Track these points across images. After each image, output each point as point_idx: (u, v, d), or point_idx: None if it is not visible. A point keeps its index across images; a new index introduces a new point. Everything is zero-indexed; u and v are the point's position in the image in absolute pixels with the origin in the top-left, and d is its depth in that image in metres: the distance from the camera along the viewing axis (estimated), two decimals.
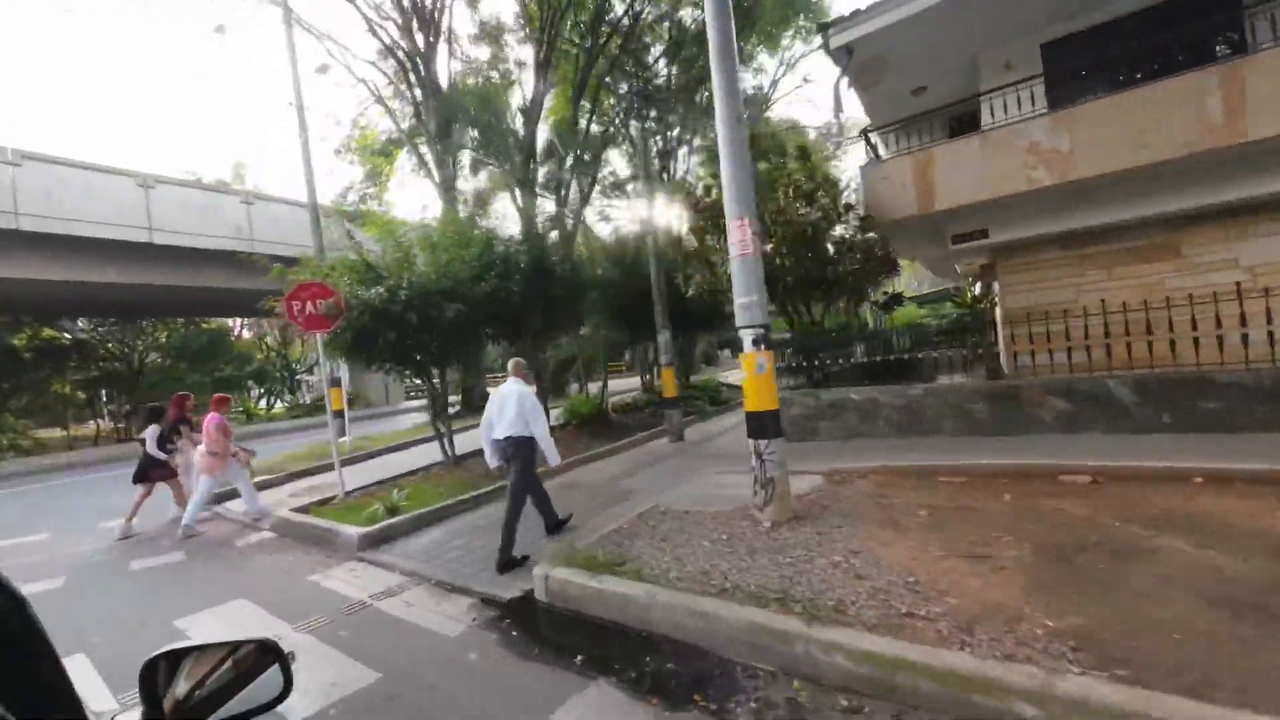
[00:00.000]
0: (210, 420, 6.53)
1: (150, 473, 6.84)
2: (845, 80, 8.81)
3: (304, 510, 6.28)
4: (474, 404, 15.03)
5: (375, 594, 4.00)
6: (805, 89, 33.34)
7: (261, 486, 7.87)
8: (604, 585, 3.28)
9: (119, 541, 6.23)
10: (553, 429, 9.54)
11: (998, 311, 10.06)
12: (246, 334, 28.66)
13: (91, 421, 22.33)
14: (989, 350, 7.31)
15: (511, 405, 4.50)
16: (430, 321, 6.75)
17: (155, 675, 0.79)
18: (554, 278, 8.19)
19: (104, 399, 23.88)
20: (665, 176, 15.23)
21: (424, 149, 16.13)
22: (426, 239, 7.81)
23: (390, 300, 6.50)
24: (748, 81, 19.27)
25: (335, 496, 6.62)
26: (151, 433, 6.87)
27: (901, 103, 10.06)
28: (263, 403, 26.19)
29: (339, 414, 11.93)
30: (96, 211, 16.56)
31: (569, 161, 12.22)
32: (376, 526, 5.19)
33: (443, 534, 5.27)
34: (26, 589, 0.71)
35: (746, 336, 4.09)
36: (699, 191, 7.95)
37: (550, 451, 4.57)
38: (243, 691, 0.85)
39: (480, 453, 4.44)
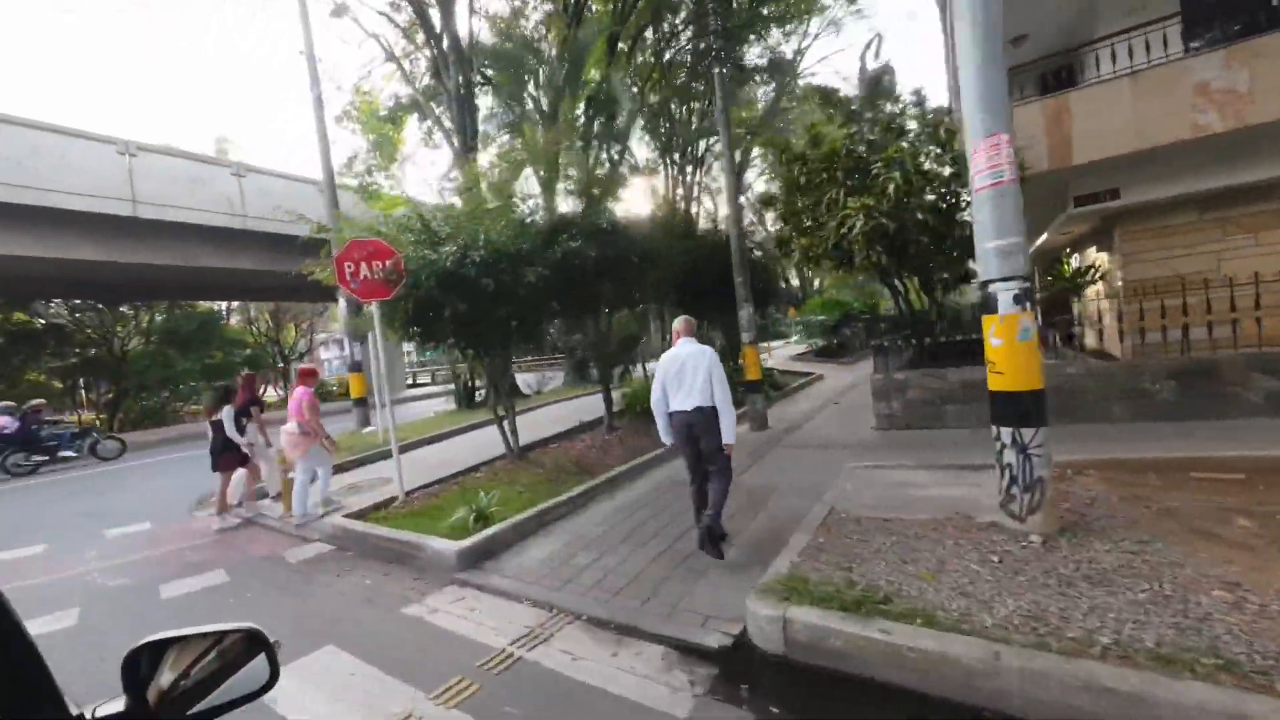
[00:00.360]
0: (303, 394, 5.64)
1: (222, 458, 6.05)
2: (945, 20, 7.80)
3: (361, 516, 5.21)
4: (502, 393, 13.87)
5: (516, 639, 2.98)
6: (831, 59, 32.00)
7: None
8: (894, 637, 2.30)
9: (220, 532, 5.67)
10: (614, 418, 8.61)
11: (1099, 286, 9.21)
12: (235, 319, 27.01)
13: (71, 413, 20.78)
14: (1063, 326, 6.54)
15: (701, 369, 3.67)
16: (505, 290, 5.63)
17: (138, 666, 0.78)
18: (629, 244, 7.10)
19: (84, 388, 22.30)
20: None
21: (441, 112, 14.78)
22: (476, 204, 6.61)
23: (462, 262, 5.37)
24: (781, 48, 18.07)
25: (394, 499, 5.55)
26: (228, 414, 6.00)
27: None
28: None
29: (360, 402, 10.77)
30: (74, 182, 15.00)
31: (624, 112, 10.94)
32: (476, 540, 4.13)
33: (555, 546, 4.25)
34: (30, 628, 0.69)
35: (1003, 292, 3.09)
36: (801, 144, 6.89)
37: (731, 429, 3.67)
38: (228, 681, 0.84)
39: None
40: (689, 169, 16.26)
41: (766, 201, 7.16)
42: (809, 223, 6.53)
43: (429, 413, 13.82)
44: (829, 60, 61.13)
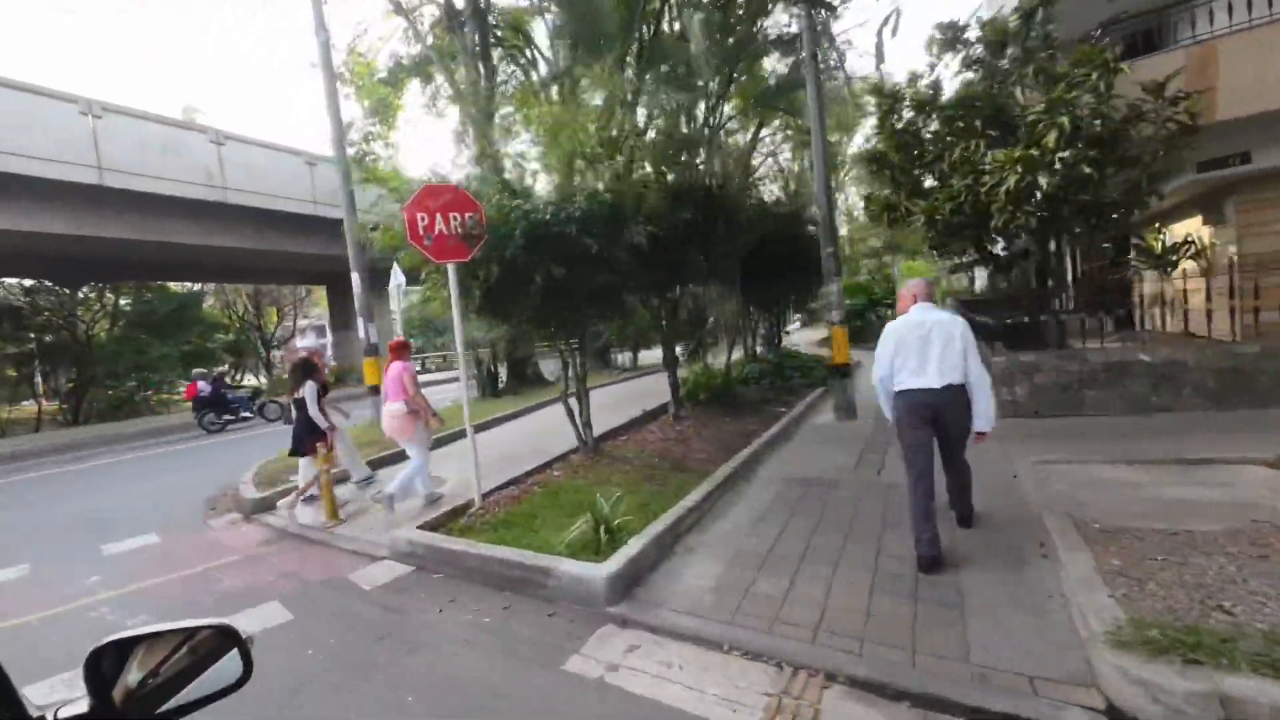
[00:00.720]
0: (402, 369, 5.00)
1: (307, 441, 5.26)
2: None
3: (438, 527, 4.23)
4: (526, 379, 12.84)
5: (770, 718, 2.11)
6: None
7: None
8: None
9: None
10: (679, 404, 7.71)
11: (1195, 262, 8.63)
12: (209, 301, 25.16)
13: (30, 401, 18.96)
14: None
15: (955, 340, 2.95)
16: (604, 254, 4.64)
17: (101, 665, 0.74)
18: (721, 207, 6.16)
19: (42, 376, 20.39)
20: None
21: (454, 75, 13.47)
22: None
23: (559, 216, 4.35)
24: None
25: (469, 505, 4.58)
26: (310, 391, 5.24)
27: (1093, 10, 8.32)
28: (235, 378, 23.05)
29: (375, 389, 9.65)
30: (33, 144, 13.36)
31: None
32: (622, 562, 3.22)
33: (715, 568, 3.36)
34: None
35: None
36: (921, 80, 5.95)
37: (990, 413, 3.03)
38: (200, 677, 0.81)
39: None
40: (754, 128, 14.92)
41: (874, 159, 6.31)
42: (931, 182, 5.70)
43: (444, 402, 12.71)
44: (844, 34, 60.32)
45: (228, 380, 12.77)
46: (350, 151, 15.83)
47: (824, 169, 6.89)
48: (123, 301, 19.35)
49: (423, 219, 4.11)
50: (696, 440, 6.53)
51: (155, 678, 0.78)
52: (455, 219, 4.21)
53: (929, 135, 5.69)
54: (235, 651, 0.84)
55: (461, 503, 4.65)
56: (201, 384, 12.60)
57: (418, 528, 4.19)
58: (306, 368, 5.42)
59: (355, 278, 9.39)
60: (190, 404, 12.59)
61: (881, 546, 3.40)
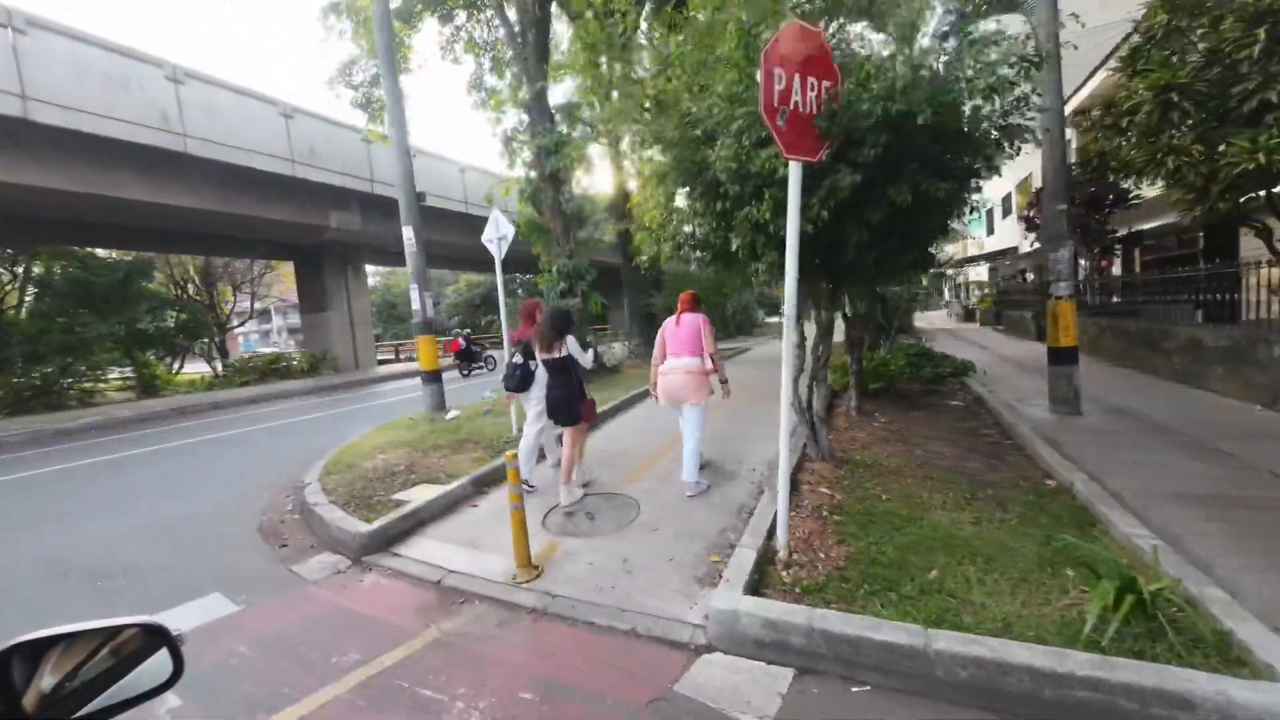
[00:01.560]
0: (702, 323, 4.33)
1: (578, 409, 4.27)
2: None
3: (761, 588, 2.62)
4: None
5: None
6: None
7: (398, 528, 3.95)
8: None
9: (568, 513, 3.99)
10: (862, 397, 6.22)
11: None
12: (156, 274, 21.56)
13: None
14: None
15: None
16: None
17: (8, 670, 0.69)
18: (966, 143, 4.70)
19: None
20: None
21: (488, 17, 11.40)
22: None
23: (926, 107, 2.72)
24: None
25: (773, 553, 2.95)
26: (575, 347, 4.27)
27: None
28: (175, 366, 19.68)
29: (434, 377, 7.69)
30: None
31: None
32: None
33: None
34: None
35: None
36: None
37: None
38: (125, 678, 0.77)
39: None
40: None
41: (1164, 88, 4.95)
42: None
43: (472, 397, 10.74)
44: None
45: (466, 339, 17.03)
46: (354, 94, 13.47)
47: (1058, 96, 5.58)
48: (42, 269, 15.91)
49: (779, 78, 2.44)
50: (927, 441, 5.12)
51: (73, 679, 0.73)
52: (812, 88, 2.57)
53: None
54: (164, 650, 0.80)
55: (760, 552, 3.01)
56: (461, 341, 16.69)
57: (747, 593, 2.55)
58: (563, 319, 4.30)
59: (408, 234, 7.36)
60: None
61: None
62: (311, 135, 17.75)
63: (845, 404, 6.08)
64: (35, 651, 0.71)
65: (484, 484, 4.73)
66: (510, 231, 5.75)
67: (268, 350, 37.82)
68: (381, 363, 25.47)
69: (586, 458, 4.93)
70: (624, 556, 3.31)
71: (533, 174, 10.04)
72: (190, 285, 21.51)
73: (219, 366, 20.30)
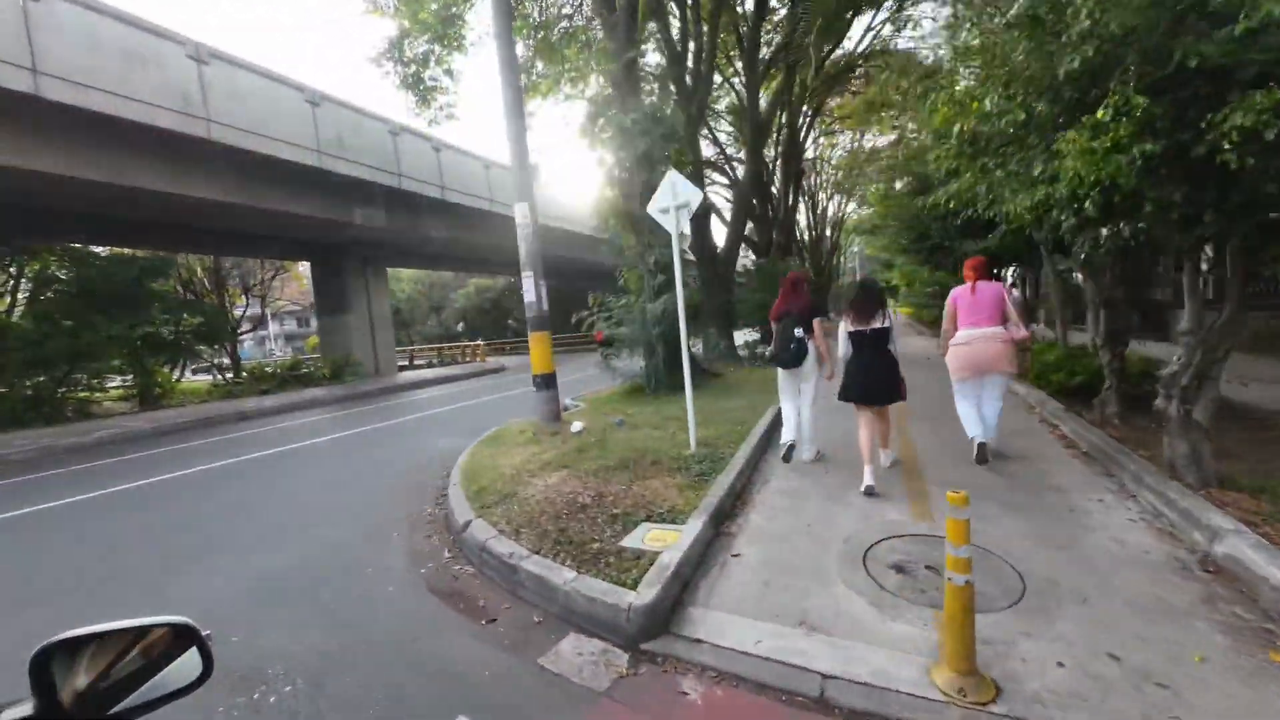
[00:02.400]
0: (1003, 290, 4.15)
1: (900, 385, 4.10)
2: None
3: None
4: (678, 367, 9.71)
5: None
6: None
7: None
8: None
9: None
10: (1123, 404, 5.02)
11: None
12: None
13: None
14: None
15: None
16: None
17: (48, 666, 0.70)
18: None
19: None
20: None
21: None
22: None
23: None
24: None
25: None
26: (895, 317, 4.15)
27: None
28: (176, 374, 18.06)
29: (549, 380, 6.49)
30: None
31: None
32: None
33: None
34: None
35: None
36: None
37: None
38: (156, 677, 0.77)
39: None
40: None
41: None
42: None
43: (494, 396, 9.52)
44: None
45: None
46: (405, 71, 12.26)
47: None
48: (38, 267, 14.41)
49: None
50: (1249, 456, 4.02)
51: (106, 679, 0.73)
52: None
53: None
54: (194, 649, 0.80)
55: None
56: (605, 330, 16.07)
57: None
58: (878, 287, 4.33)
59: (523, 211, 6.17)
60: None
61: None
62: (339, 125, 16.49)
63: (1097, 412, 4.98)
64: (71, 649, 0.72)
65: (722, 521, 3.55)
66: (694, 198, 4.60)
67: (268, 358, 36.14)
68: (401, 368, 24.10)
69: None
70: (1102, 649, 2.16)
71: (619, 155, 8.89)
72: (200, 287, 20.06)
73: (228, 374, 18.82)
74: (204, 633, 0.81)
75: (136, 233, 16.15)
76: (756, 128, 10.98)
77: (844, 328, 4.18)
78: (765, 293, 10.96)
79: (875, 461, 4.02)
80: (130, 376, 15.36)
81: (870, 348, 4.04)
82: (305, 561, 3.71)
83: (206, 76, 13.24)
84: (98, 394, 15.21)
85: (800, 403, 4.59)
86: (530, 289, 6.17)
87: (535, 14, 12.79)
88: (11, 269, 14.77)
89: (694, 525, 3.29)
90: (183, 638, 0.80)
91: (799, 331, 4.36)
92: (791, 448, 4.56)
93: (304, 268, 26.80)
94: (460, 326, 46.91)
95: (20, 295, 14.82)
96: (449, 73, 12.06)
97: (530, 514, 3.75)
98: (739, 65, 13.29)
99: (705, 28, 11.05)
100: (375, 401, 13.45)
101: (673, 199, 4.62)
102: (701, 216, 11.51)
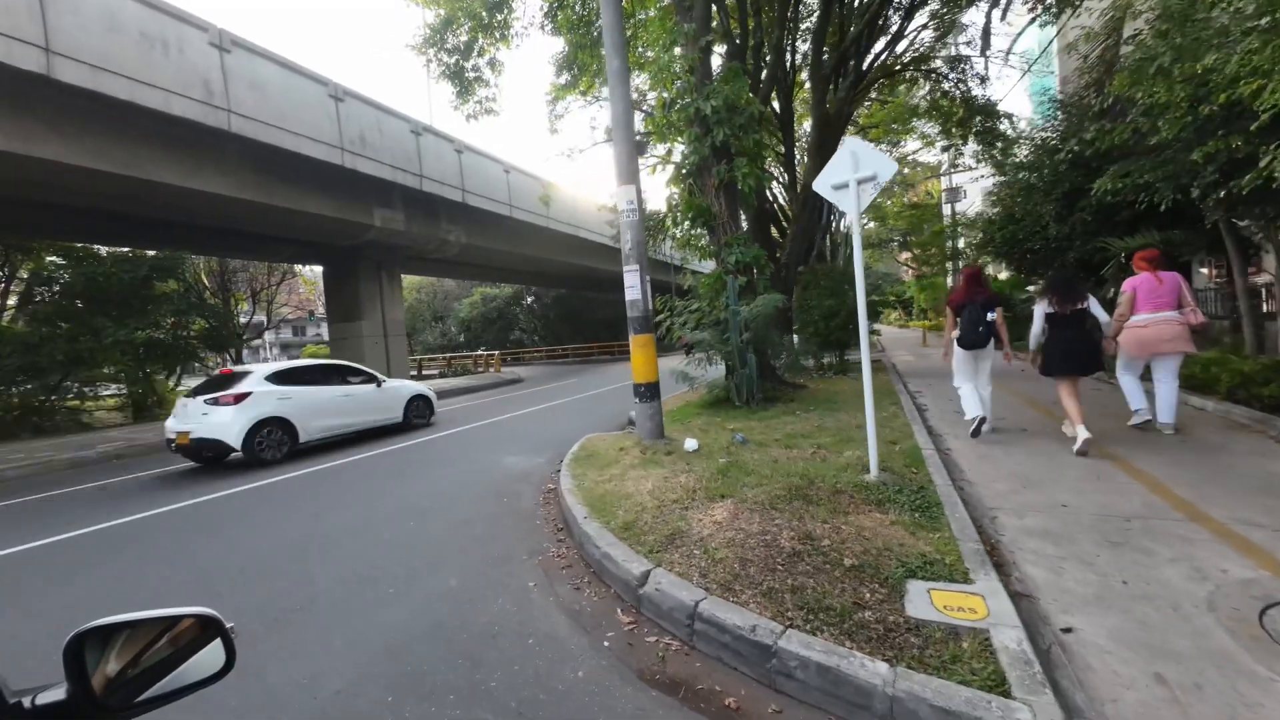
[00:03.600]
0: (1180, 278, 4.68)
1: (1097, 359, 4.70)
2: None
3: None
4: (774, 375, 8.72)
5: None
6: None
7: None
8: None
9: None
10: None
11: None
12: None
13: None
14: None
15: None
16: None
17: (81, 652, 0.71)
18: None
19: None
20: None
21: None
22: None
23: None
24: None
25: None
26: (1094, 301, 4.72)
27: None
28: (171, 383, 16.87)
29: (653, 390, 5.63)
30: None
31: None
32: None
33: None
34: None
35: None
36: None
37: None
38: (181, 667, 0.78)
39: None
40: None
41: None
42: None
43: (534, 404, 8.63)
44: None
45: None
46: (447, 61, 11.49)
47: None
48: (33, 266, 13.34)
49: None
50: None
51: (135, 666, 0.75)
52: None
53: None
54: (218, 641, 0.81)
55: None
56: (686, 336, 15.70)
57: None
58: (1075, 281, 4.91)
59: (628, 194, 5.35)
60: None
61: None
62: (362, 122, 15.72)
63: None
64: (103, 637, 0.73)
65: (1000, 575, 2.69)
66: (884, 170, 3.78)
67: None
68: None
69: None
70: None
71: (693, 149, 8.16)
72: (203, 291, 19.03)
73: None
74: (227, 625, 0.81)
75: (139, 231, 15.16)
76: (823, 122, 10.31)
77: (1040, 310, 4.83)
78: (836, 299, 10.21)
79: (1084, 421, 4.49)
80: (124, 385, 14.29)
81: (1071, 327, 4.67)
82: (430, 623, 2.80)
83: (228, 65, 12.42)
84: (89, 403, 14.09)
85: (979, 381, 5.16)
86: (635, 285, 5.33)
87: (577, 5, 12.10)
88: (4, 269, 13.76)
89: (988, 584, 2.44)
90: (208, 629, 0.80)
91: (990, 315, 4.87)
92: (981, 421, 5.04)
93: (310, 272, 25.82)
94: (462, 336, 45.85)
95: (13, 296, 13.78)
96: (492, 64, 11.30)
97: (725, 562, 2.88)
98: (797, 59, 12.69)
99: (764, 19, 10.47)
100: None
101: (853, 171, 3.82)
102: (765, 218, 10.79)
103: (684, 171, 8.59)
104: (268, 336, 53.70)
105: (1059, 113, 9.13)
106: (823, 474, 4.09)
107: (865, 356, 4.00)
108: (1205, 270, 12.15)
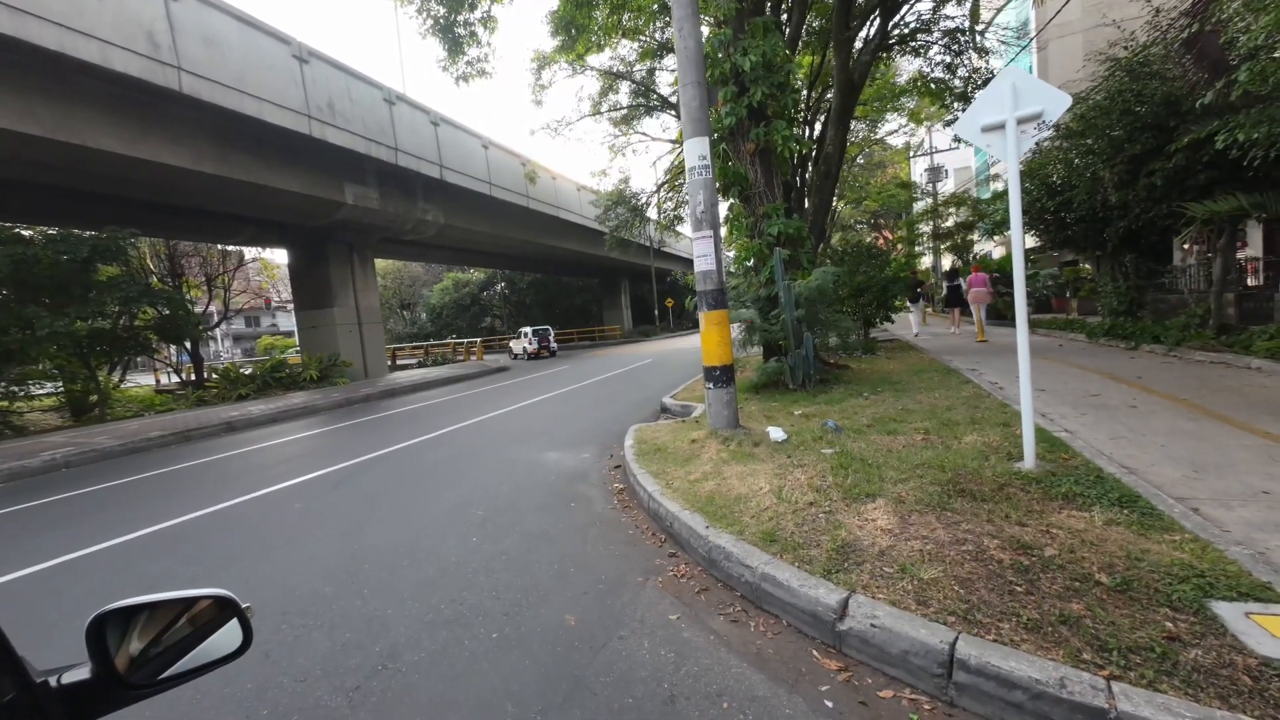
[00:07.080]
0: None
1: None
2: None
3: None
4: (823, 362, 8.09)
5: None
6: None
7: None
8: None
9: None
10: None
11: None
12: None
13: None
14: None
15: None
16: None
17: (104, 632, 0.72)
18: None
19: None
20: None
21: None
22: None
23: None
24: None
25: None
26: None
27: None
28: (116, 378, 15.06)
29: (728, 375, 4.97)
30: None
31: None
32: None
33: None
34: None
35: None
36: None
37: None
38: (200, 646, 0.79)
39: None
40: None
41: None
42: None
43: (533, 395, 7.92)
44: None
45: None
46: (436, 12, 10.35)
47: None
48: None
49: None
50: None
51: (157, 645, 0.76)
52: None
53: None
54: (235, 621, 0.82)
55: None
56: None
57: None
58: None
59: (699, 148, 4.61)
60: None
61: None
62: (330, 86, 14.27)
63: None
64: (125, 618, 0.73)
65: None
66: (1055, 105, 3.19)
67: (215, 359, 32.40)
68: (390, 369, 21.69)
69: None
70: None
71: (729, 109, 7.47)
72: (153, 277, 17.23)
73: (189, 376, 16.13)
74: (243, 605, 0.82)
75: (74, 207, 13.45)
76: (848, 88, 9.75)
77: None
78: (864, 274, 9.75)
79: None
80: (60, 383, 12.65)
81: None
82: (568, 683, 2.11)
83: (176, 15, 10.90)
84: (19, 403, 12.42)
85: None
86: (708, 253, 4.63)
87: None
88: None
89: None
90: (225, 610, 0.81)
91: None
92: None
93: (270, 256, 23.95)
94: (432, 324, 43.98)
95: None
96: (485, 20, 10.22)
97: (938, 583, 2.29)
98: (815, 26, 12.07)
99: None
100: (386, 407, 11.45)
101: (1012, 108, 3.21)
102: (787, 190, 10.18)
103: (715, 136, 7.87)
104: (220, 327, 50.49)
105: (1119, 73, 8.73)
106: (962, 464, 3.54)
107: (1022, 325, 3.44)
108: (1186, 246, 12.27)
